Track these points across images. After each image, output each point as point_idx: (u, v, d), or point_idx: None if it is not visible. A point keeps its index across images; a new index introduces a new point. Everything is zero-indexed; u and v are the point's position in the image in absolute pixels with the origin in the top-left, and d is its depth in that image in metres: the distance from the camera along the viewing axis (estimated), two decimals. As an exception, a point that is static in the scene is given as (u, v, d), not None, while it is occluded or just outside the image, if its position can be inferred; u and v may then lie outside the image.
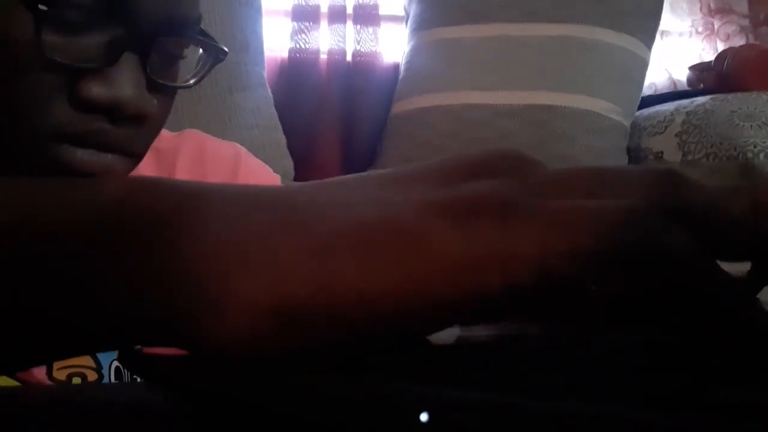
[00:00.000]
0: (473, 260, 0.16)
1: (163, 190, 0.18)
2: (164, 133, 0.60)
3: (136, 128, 0.41)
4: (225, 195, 0.18)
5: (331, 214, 0.17)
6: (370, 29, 1.50)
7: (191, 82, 0.47)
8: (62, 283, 0.16)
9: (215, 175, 0.62)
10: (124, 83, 0.39)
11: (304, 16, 1.47)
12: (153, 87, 0.41)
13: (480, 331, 0.24)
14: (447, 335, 0.22)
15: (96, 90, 0.39)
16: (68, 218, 0.17)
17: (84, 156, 0.40)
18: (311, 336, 0.16)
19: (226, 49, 0.47)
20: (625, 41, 1.39)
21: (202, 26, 0.45)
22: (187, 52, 0.45)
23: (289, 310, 0.16)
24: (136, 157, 0.44)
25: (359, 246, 0.16)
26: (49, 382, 0.46)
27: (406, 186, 0.19)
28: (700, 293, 0.17)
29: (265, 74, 1.34)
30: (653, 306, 0.18)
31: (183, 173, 0.61)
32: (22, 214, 0.17)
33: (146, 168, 0.58)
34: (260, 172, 0.66)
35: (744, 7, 1.87)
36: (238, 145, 0.67)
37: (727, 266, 0.21)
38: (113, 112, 0.39)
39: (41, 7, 0.37)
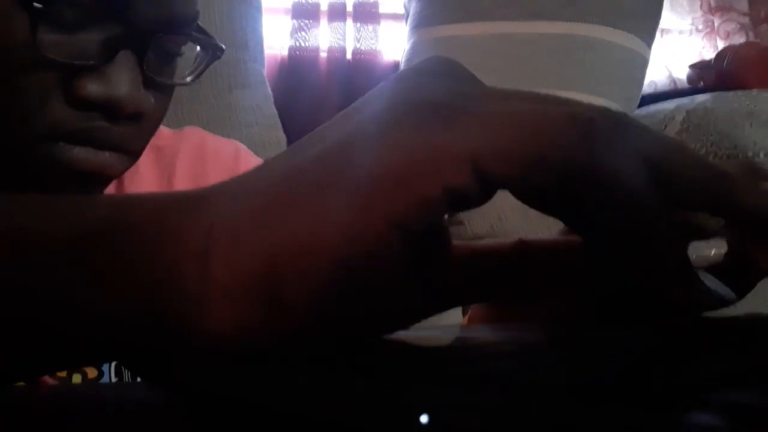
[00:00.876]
0: (406, 166, 0.16)
1: (144, 203, 0.18)
2: (164, 130, 0.60)
3: (133, 126, 0.41)
4: (202, 193, 0.18)
5: (279, 171, 0.17)
6: (370, 27, 1.49)
7: (188, 79, 0.46)
8: (54, 296, 0.16)
9: (215, 172, 0.62)
10: (121, 81, 0.39)
11: (304, 14, 1.46)
12: (150, 84, 0.41)
13: (480, 332, 0.24)
14: (447, 335, 0.22)
15: (92, 88, 0.38)
16: (58, 233, 0.17)
17: (80, 154, 0.40)
18: (289, 309, 0.16)
19: (223, 46, 0.47)
20: (625, 39, 1.39)
21: (201, 24, 0.45)
22: (184, 49, 0.45)
23: (260, 286, 0.16)
24: (133, 155, 0.44)
25: (304, 194, 0.16)
26: (49, 378, 0.46)
27: (351, 113, 0.18)
28: (643, 232, 0.16)
29: (265, 72, 1.34)
30: (588, 243, 0.18)
31: (183, 171, 0.61)
32: (12, 229, 0.17)
33: (146, 166, 0.58)
34: None
35: (744, 5, 1.87)
36: (238, 143, 0.67)
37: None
38: (110, 109, 0.39)
39: (36, 5, 0.36)
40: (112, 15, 0.39)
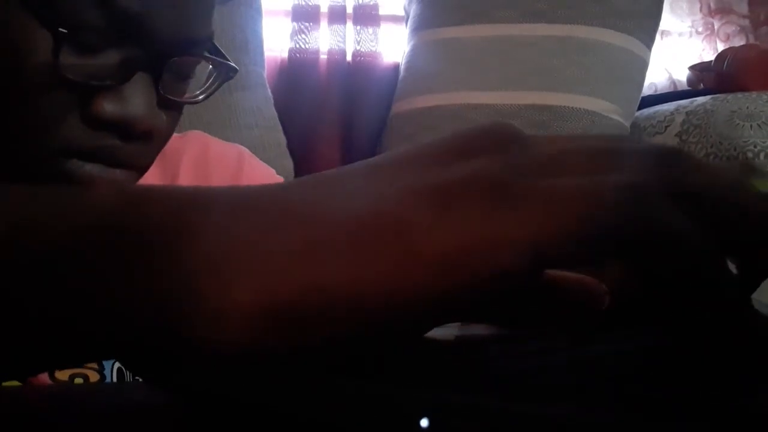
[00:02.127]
0: (461, 249, 0.16)
1: (162, 198, 0.18)
2: None
3: (144, 144, 0.42)
4: (219, 200, 0.18)
5: (320, 210, 0.17)
6: (370, 29, 1.49)
7: (200, 98, 0.47)
8: (61, 291, 0.16)
9: (219, 176, 0.62)
10: (137, 101, 0.40)
11: (304, 17, 1.46)
12: (163, 103, 0.42)
13: (479, 331, 0.24)
14: (446, 335, 0.22)
15: (109, 108, 0.39)
16: (68, 227, 0.17)
17: (92, 170, 0.40)
18: (307, 337, 0.16)
19: (236, 67, 0.47)
20: (625, 41, 1.39)
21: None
22: (198, 68, 0.46)
23: (283, 313, 0.16)
24: (142, 170, 0.44)
25: (347, 242, 0.16)
26: (51, 383, 0.46)
27: (393, 172, 0.18)
28: (700, 278, 0.17)
29: (265, 74, 1.34)
30: (650, 295, 0.18)
31: (187, 174, 0.61)
32: (22, 221, 0.17)
33: (150, 169, 0.58)
34: (264, 174, 0.66)
35: (744, 8, 1.87)
36: (242, 147, 0.67)
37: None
38: (124, 129, 0.40)
39: (61, 29, 0.37)
40: (130, 38, 0.40)
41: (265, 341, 0.16)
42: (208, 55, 0.45)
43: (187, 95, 0.46)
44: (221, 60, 0.46)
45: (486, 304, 0.17)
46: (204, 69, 0.47)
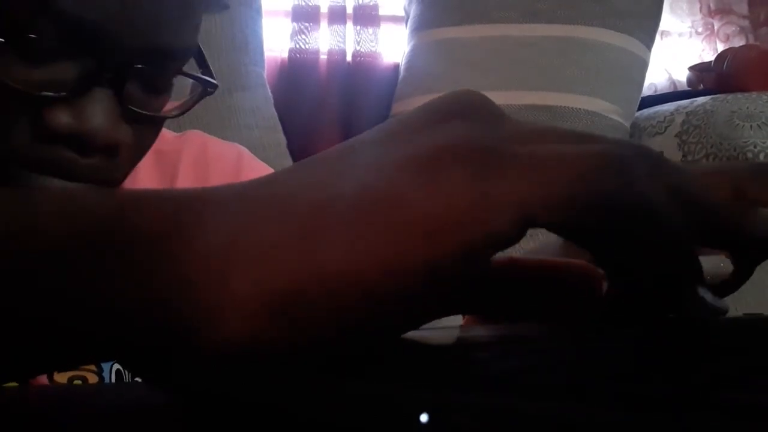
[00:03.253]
0: (451, 215, 0.16)
1: (156, 201, 0.18)
2: (166, 134, 0.60)
3: (107, 158, 0.40)
4: (214, 197, 0.18)
5: (311, 195, 0.17)
6: (370, 30, 1.49)
7: (174, 113, 0.45)
8: (59, 294, 0.16)
9: (218, 176, 0.62)
10: (93, 114, 0.38)
11: (304, 17, 1.46)
12: (130, 116, 0.40)
13: (480, 332, 0.24)
14: (447, 335, 0.22)
15: (60, 120, 0.37)
16: (65, 230, 0.17)
17: (44, 183, 0.38)
18: (310, 328, 0.16)
19: (216, 83, 0.45)
20: (625, 42, 1.39)
21: (203, 31, 0.44)
22: (178, 79, 0.44)
23: (284, 305, 0.16)
24: (112, 184, 0.42)
25: (339, 224, 0.16)
26: (46, 380, 0.46)
27: (377, 149, 0.18)
28: (674, 253, 0.17)
29: (265, 75, 1.34)
30: (651, 304, 0.19)
31: (186, 175, 0.60)
32: (19, 224, 0.17)
33: (148, 170, 0.57)
34: (263, 174, 0.66)
35: (744, 8, 1.87)
36: (241, 147, 0.67)
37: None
38: (80, 142, 0.38)
39: (0, 39, 0.35)
40: (85, 48, 0.38)
41: (265, 334, 0.16)
42: (191, 69, 0.43)
43: (167, 108, 0.44)
44: (195, 74, 0.44)
45: (480, 265, 0.17)
46: (184, 79, 0.45)
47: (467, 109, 0.19)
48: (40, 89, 0.37)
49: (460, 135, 0.17)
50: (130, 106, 0.40)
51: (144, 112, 0.41)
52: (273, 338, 0.16)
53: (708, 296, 0.20)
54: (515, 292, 0.23)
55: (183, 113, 0.45)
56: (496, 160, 0.17)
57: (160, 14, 0.39)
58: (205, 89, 0.46)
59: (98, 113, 0.38)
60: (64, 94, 0.37)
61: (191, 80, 0.46)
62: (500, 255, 0.19)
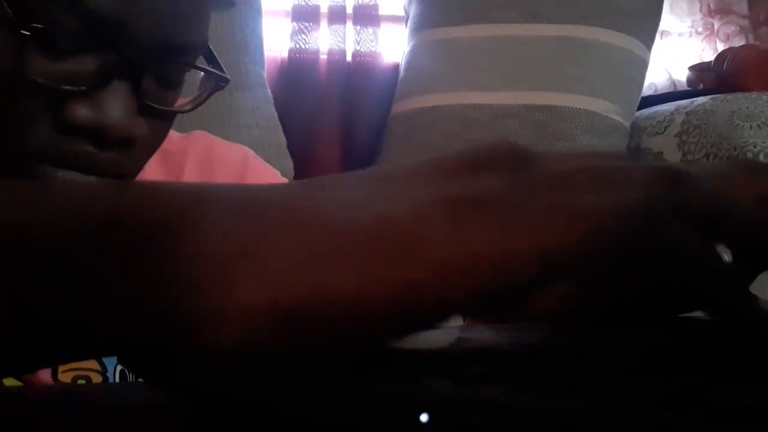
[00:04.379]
0: (468, 259, 0.16)
1: (165, 195, 0.18)
2: (172, 134, 0.60)
3: (123, 152, 0.40)
4: (224, 198, 0.18)
5: (328, 214, 0.17)
6: (370, 29, 1.49)
7: (187, 107, 0.45)
8: (64, 287, 0.16)
9: (223, 177, 0.62)
10: (112, 107, 0.38)
11: (304, 17, 1.46)
12: (145, 110, 0.41)
13: (480, 332, 0.24)
14: (447, 335, 0.22)
15: (80, 113, 0.38)
16: (70, 225, 0.17)
17: (65, 177, 0.39)
18: (309, 339, 0.16)
19: (228, 77, 0.46)
20: (625, 41, 1.39)
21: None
22: (189, 75, 0.44)
23: (287, 315, 0.16)
24: (126, 178, 0.43)
25: (355, 248, 0.16)
26: (53, 384, 0.46)
27: (404, 183, 0.18)
28: (703, 291, 0.17)
29: (265, 74, 1.34)
30: (654, 304, 0.19)
31: (191, 175, 0.60)
32: (24, 219, 0.17)
33: (153, 169, 0.57)
34: (268, 175, 0.66)
35: (744, 8, 1.87)
36: (246, 148, 0.67)
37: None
38: (98, 135, 0.39)
39: (24, 32, 0.36)
40: (106, 42, 0.38)
41: (264, 341, 0.16)
42: (198, 63, 0.44)
43: (179, 102, 0.45)
44: (209, 69, 0.45)
45: (491, 310, 0.17)
46: (196, 74, 0.46)
47: (504, 161, 0.19)
48: (60, 83, 0.37)
49: (491, 186, 0.17)
50: (145, 101, 0.40)
51: (159, 106, 0.42)
52: (272, 347, 0.16)
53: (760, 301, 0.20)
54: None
55: (196, 107, 0.46)
56: (522, 212, 0.17)
57: (177, 9, 0.40)
58: (217, 83, 0.46)
59: (117, 107, 0.38)
60: (83, 88, 0.38)
61: (199, 77, 0.47)
62: None
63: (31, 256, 0.16)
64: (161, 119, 0.43)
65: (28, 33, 0.36)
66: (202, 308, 0.16)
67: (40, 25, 0.36)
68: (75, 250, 0.16)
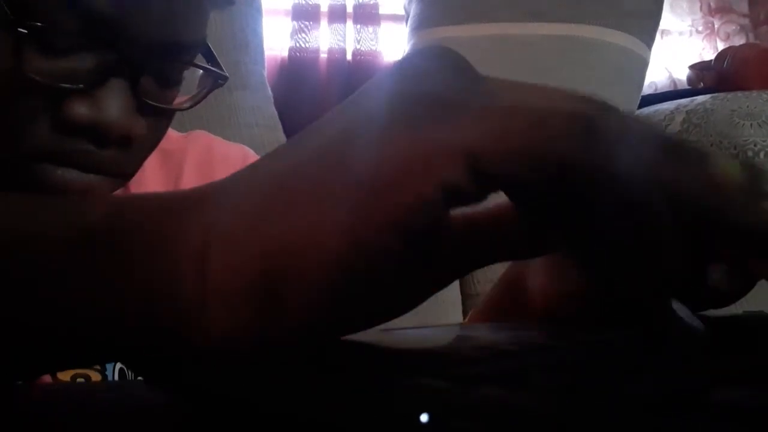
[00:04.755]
0: (400, 167, 0.15)
1: (146, 206, 0.18)
2: (172, 134, 0.60)
3: (122, 150, 0.40)
4: (199, 193, 0.18)
5: (278, 170, 0.17)
6: (371, 28, 1.49)
7: (186, 105, 0.45)
8: (56, 297, 0.16)
9: (223, 177, 0.61)
10: (110, 105, 0.38)
11: (304, 16, 1.46)
12: (144, 108, 0.40)
13: (480, 332, 0.24)
14: (447, 335, 0.22)
15: (79, 111, 0.38)
16: (59, 237, 0.17)
17: (65, 175, 0.39)
18: (287, 307, 0.16)
19: (226, 75, 0.46)
20: (626, 40, 1.39)
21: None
22: (187, 73, 0.44)
23: (258, 286, 0.16)
24: (123, 177, 0.43)
25: (301, 194, 0.16)
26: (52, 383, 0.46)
27: (344, 110, 0.18)
28: (646, 236, 0.16)
29: (265, 73, 1.34)
30: (567, 215, 0.17)
31: (190, 175, 0.61)
32: (14, 231, 0.17)
33: (153, 169, 0.57)
34: None
35: (744, 7, 1.87)
36: (246, 148, 0.67)
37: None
38: (97, 134, 0.39)
39: (21, 30, 0.36)
40: (104, 41, 0.38)
41: (245, 318, 0.16)
42: (197, 61, 0.44)
43: (178, 100, 0.45)
44: (207, 66, 0.45)
45: (443, 231, 0.16)
46: (194, 72, 0.46)
47: (436, 63, 0.18)
48: (59, 81, 0.37)
49: (413, 83, 0.17)
50: (144, 99, 0.40)
51: (158, 104, 0.42)
52: (254, 325, 0.16)
53: (684, 312, 0.20)
54: (478, 242, 0.22)
55: (194, 105, 0.46)
56: (449, 109, 0.16)
57: (176, 8, 0.40)
58: (216, 81, 0.46)
59: (115, 105, 0.38)
60: (82, 86, 0.38)
61: (198, 74, 0.47)
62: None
63: (23, 266, 0.17)
64: (160, 117, 0.43)
65: (26, 32, 0.36)
66: (184, 299, 0.16)
67: (39, 24, 0.36)
68: (63, 263, 0.17)
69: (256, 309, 0.16)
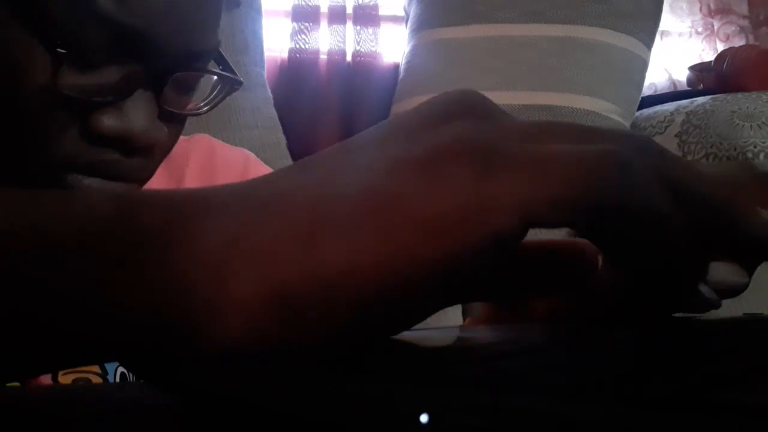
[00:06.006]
0: (451, 213, 0.16)
1: (156, 203, 0.18)
2: None
3: (146, 157, 0.42)
4: (214, 199, 0.18)
5: (311, 195, 0.17)
6: (370, 30, 1.50)
7: (204, 109, 0.47)
8: (61, 294, 0.16)
9: (224, 180, 0.61)
10: (137, 116, 0.40)
11: (304, 17, 1.46)
12: (165, 116, 0.42)
13: (480, 332, 0.24)
14: (447, 335, 0.22)
15: (108, 123, 0.39)
16: (66, 233, 0.17)
17: (93, 184, 0.40)
18: (309, 327, 0.16)
19: (241, 80, 0.48)
20: (625, 42, 1.39)
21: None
22: (202, 80, 0.46)
23: (283, 302, 0.16)
24: (142, 182, 0.44)
25: (340, 223, 0.16)
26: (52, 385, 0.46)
27: (378, 147, 0.18)
28: (666, 251, 0.18)
29: (265, 74, 1.34)
30: (621, 257, 0.19)
31: (192, 178, 0.61)
32: (20, 227, 0.17)
33: (156, 172, 0.58)
34: None
35: (744, 8, 1.87)
36: (248, 152, 0.68)
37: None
38: (125, 143, 0.40)
39: (60, 50, 0.37)
40: (132, 55, 0.39)
41: (264, 332, 0.16)
42: (212, 67, 0.45)
43: (190, 105, 0.46)
44: (224, 73, 0.46)
45: (482, 275, 0.17)
46: (208, 77, 0.47)
47: (467, 109, 0.19)
48: (90, 95, 0.39)
49: (460, 134, 0.17)
50: (165, 106, 0.41)
51: (178, 111, 0.43)
52: (272, 336, 0.16)
53: (705, 290, 0.21)
54: (515, 273, 0.23)
55: (211, 110, 0.47)
56: (498, 160, 0.16)
57: (198, 17, 0.41)
58: (232, 86, 0.48)
59: (142, 115, 0.40)
60: (111, 98, 0.39)
61: (211, 79, 0.48)
62: None
63: (29, 262, 0.16)
64: (176, 123, 0.45)
65: (65, 51, 0.37)
66: (199, 305, 0.16)
67: (73, 43, 0.37)
68: (72, 255, 0.16)
69: (276, 322, 0.16)
